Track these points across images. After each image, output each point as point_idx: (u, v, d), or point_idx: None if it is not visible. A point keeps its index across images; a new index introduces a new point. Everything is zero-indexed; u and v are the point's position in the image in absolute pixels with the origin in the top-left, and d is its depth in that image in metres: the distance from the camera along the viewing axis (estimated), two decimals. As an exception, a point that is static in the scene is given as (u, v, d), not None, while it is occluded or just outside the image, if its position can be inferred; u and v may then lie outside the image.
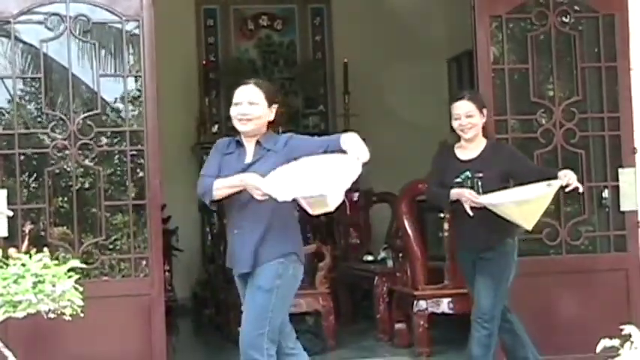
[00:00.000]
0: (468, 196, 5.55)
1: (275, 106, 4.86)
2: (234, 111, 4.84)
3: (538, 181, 5.56)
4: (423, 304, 7.01)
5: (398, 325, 7.55)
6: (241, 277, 4.87)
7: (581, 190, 5.63)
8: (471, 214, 5.54)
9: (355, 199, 9.54)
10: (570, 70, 6.83)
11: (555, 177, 5.53)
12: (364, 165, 4.48)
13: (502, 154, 5.80)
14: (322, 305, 7.54)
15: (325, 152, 4.63)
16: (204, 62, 10.88)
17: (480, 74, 6.54)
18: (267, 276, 4.70)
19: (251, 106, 4.79)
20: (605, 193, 6.73)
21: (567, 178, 5.50)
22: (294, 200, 4.54)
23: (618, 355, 2.82)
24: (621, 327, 2.90)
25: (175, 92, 9.63)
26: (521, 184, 5.65)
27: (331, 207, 4.51)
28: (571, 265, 6.57)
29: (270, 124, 4.87)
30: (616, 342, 2.87)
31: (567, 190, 5.58)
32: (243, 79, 4.93)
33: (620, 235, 6.61)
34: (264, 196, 4.57)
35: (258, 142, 4.82)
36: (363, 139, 4.54)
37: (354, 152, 4.47)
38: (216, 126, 10.60)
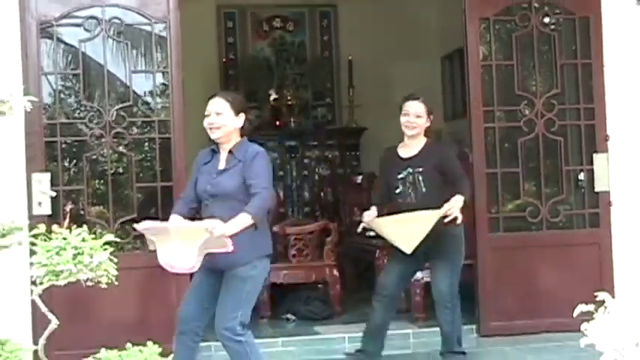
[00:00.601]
0: (364, 215, 5.56)
1: (242, 115, 4.80)
2: (205, 122, 4.83)
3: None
4: (419, 274, 6.98)
5: (397, 294, 7.54)
6: (210, 269, 4.70)
7: (459, 221, 5.35)
8: (359, 230, 5.58)
9: (359, 181, 9.54)
10: (550, 67, 6.83)
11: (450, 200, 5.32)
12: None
13: (437, 150, 5.72)
14: (329, 276, 7.56)
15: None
16: (224, 60, 10.85)
17: (470, 70, 6.54)
18: (243, 267, 4.61)
19: (217, 116, 4.77)
20: (581, 176, 6.75)
21: (449, 207, 5.29)
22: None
23: (593, 318, 2.82)
24: (595, 293, 2.90)
25: (198, 86, 9.55)
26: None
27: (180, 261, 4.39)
28: (551, 240, 6.58)
29: (242, 130, 4.81)
30: (591, 307, 2.87)
31: (446, 220, 5.32)
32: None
33: (594, 213, 6.62)
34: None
35: (230, 152, 4.77)
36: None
37: (212, 224, 4.37)
38: (235, 117, 10.58)
